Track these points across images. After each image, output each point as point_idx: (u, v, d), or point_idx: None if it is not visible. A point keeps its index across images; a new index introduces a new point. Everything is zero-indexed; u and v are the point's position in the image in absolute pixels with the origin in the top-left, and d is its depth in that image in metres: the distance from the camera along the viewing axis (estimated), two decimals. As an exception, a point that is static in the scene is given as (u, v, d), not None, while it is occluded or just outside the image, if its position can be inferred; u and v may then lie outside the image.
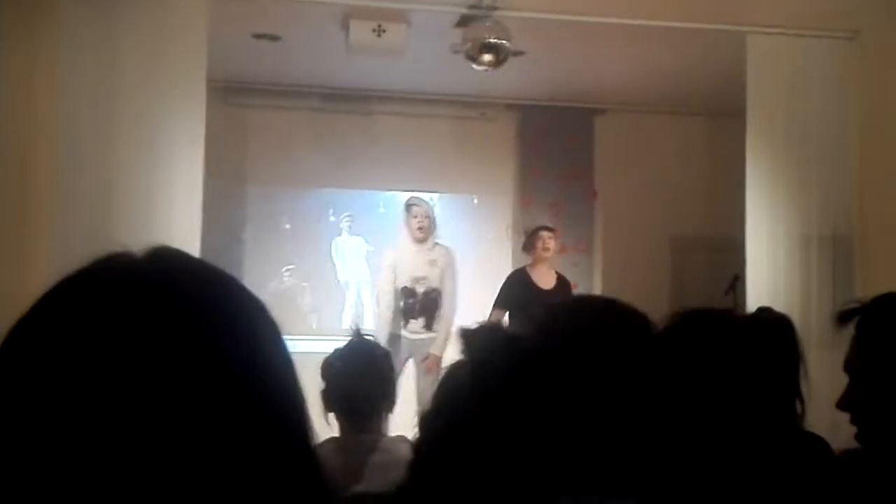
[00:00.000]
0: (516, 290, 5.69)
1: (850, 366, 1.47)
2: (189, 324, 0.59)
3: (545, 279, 5.79)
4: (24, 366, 0.57)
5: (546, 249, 5.79)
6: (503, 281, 5.88)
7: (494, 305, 5.72)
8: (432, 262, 5.82)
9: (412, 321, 5.78)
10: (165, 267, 0.63)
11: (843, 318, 1.46)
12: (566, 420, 1.00)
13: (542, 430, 0.99)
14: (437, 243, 5.90)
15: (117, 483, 0.54)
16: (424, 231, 5.80)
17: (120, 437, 0.55)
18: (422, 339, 5.75)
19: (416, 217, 5.81)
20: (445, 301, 5.80)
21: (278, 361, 0.64)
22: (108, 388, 0.55)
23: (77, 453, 0.54)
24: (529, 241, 5.91)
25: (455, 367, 1.16)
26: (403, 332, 5.76)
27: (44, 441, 0.54)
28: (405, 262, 5.83)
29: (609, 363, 1.09)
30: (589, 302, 1.52)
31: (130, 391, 0.55)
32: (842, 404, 1.48)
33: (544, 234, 5.82)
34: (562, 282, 5.87)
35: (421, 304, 5.78)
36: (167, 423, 0.56)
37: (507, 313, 5.65)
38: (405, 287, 5.80)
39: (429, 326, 5.78)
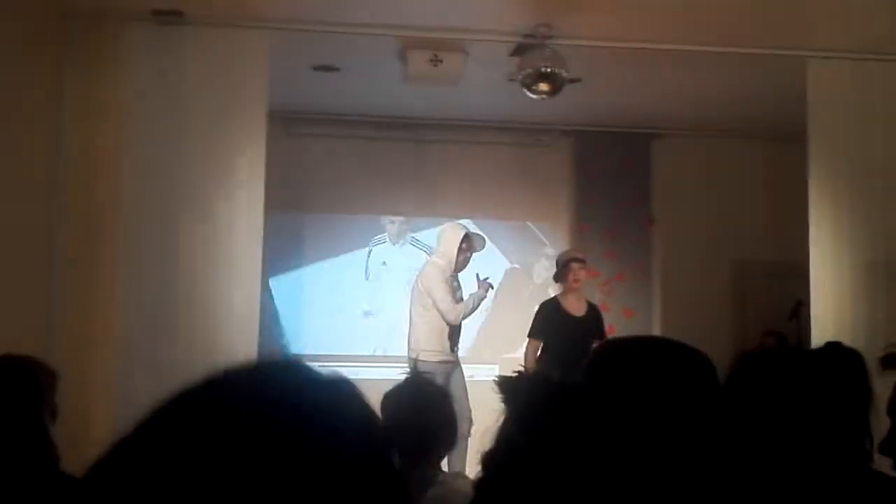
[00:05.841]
0: (550, 320, 5.75)
1: (892, 409, 1.41)
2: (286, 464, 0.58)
3: (576, 307, 5.83)
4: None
5: (577, 281, 5.81)
6: (535, 312, 5.90)
7: (530, 336, 5.79)
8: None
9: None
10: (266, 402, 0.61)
11: (887, 362, 1.41)
12: (615, 467, 1.00)
13: (589, 479, 0.99)
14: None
15: None
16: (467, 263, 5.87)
17: None
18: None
19: (467, 251, 5.84)
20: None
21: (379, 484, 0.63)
22: None
23: None
24: (560, 272, 5.89)
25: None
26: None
27: None
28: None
29: (653, 406, 1.06)
30: (636, 344, 1.51)
31: None
32: (885, 448, 1.42)
33: (574, 265, 5.80)
34: (592, 308, 5.92)
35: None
36: None
37: (542, 343, 5.72)
38: None
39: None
